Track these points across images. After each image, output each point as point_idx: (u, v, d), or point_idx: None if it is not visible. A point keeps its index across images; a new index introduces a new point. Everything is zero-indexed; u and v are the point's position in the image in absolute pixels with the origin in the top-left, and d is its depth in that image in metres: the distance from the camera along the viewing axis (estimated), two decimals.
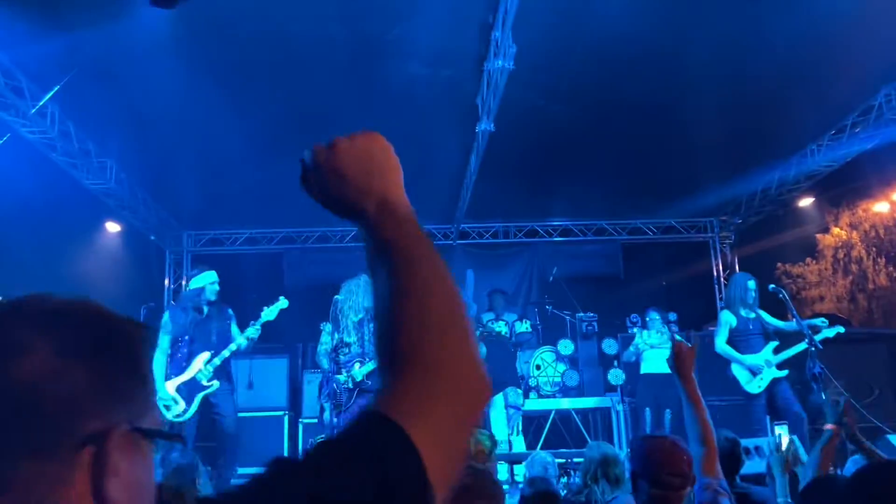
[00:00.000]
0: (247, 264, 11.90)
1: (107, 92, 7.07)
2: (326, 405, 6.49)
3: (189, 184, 9.62)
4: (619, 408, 9.07)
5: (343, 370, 6.48)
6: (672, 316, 10.12)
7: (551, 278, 10.15)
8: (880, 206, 17.81)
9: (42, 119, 7.17)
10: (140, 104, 7.22)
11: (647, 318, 8.51)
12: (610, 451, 4.14)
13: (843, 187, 13.09)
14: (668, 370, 7.82)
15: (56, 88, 6.58)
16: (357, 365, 6.45)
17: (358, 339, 6.52)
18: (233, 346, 6.70)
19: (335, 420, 6.41)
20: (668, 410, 7.95)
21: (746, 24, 6.47)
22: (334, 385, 6.47)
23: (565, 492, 4.78)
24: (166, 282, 11.43)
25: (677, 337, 7.24)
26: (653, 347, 8.21)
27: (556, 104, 7.63)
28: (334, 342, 6.55)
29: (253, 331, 6.76)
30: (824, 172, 9.57)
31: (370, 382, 6.42)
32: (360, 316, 6.52)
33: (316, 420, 7.51)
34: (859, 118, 8.28)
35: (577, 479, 4.77)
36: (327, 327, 6.67)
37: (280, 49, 6.59)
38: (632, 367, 8.82)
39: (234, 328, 6.91)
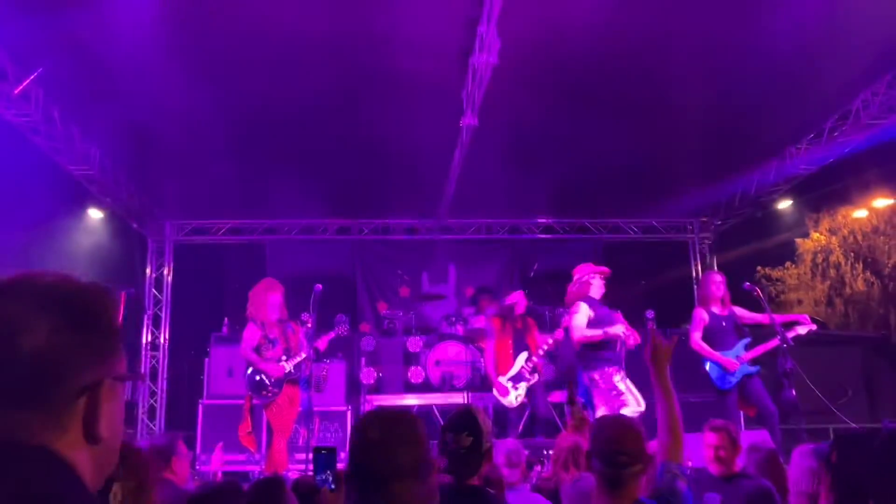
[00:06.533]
0: (230, 254, 11.93)
1: (93, 78, 7.06)
2: (253, 393, 7.08)
3: (173, 173, 9.63)
4: None
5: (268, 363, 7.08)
6: (649, 313, 10.23)
7: (532, 274, 10.22)
8: (859, 213, 18.02)
9: (26, 102, 7.14)
10: (126, 92, 7.22)
11: None
12: (580, 441, 4.22)
13: (822, 192, 13.24)
14: None
15: (39, 71, 6.57)
16: (284, 358, 7.03)
17: (280, 336, 7.11)
18: None
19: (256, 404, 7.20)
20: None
21: (729, 28, 6.56)
22: (261, 376, 7.03)
23: (536, 479, 4.87)
24: (148, 270, 11.42)
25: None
26: None
27: (540, 100, 7.70)
28: (258, 339, 7.07)
29: None
30: (803, 176, 9.71)
31: (294, 373, 7.03)
32: (278, 316, 7.14)
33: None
34: (837, 122, 8.41)
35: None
36: (251, 325, 7.15)
37: (264, 41, 6.60)
38: None
39: None
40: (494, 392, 8.25)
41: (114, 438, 1.05)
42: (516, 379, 8.15)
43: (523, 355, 8.19)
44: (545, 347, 8.12)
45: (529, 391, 8.12)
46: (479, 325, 9.82)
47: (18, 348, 0.97)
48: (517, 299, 8.55)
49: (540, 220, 11.81)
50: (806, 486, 2.91)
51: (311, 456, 2.43)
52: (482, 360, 9.47)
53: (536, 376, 8.15)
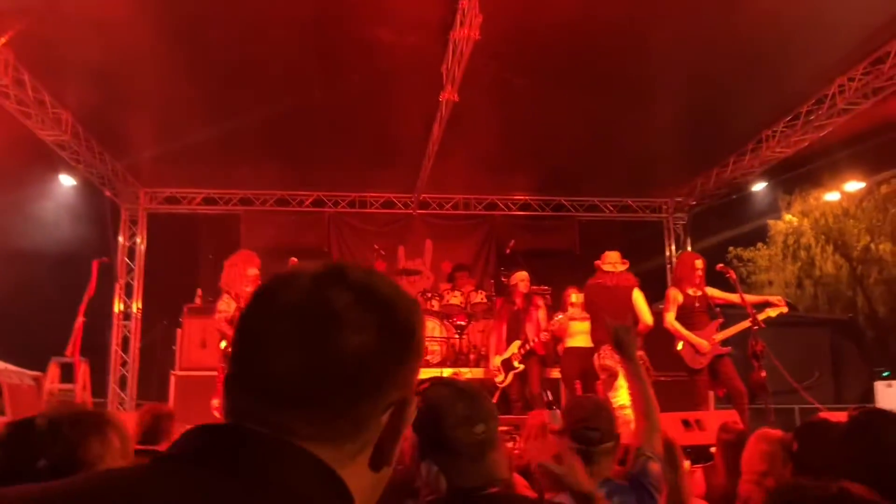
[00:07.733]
0: (204, 224, 11.80)
1: (65, 43, 6.92)
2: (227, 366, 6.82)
3: (147, 141, 9.48)
4: None
5: None
6: None
7: (508, 251, 10.22)
8: (831, 196, 18.24)
9: None
10: (99, 57, 7.08)
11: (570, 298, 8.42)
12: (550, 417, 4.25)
13: (795, 175, 13.37)
14: (590, 345, 7.77)
15: (9, 34, 6.42)
16: None
17: None
18: None
19: None
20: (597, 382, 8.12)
21: (709, 11, 6.58)
22: None
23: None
24: (121, 238, 11.29)
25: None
26: (572, 319, 8.16)
27: (520, 77, 7.66)
28: (232, 310, 6.86)
29: None
30: (777, 158, 9.78)
31: None
32: (250, 288, 6.89)
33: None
34: (813, 107, 8.48)
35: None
36: (226, 297, 6.97)
37: (243, 10, 6.50)
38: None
39: None
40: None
41: (390, 469, 0.90)
42: (506, 365, 8.19)
43: (516, 343, 8.15)
44: (536, 340, 8.06)
45: (524, 369, 8.13)
46: (455, 302, 9.80)
47: (342, 344, 0.83)
48: (516, 281, 8.45)
49: (517, 198, 11.82)
50: (757, 466, 2.98)
51: None
52: (458, 336, 9.49)
53: (522, 366, 8.13)
